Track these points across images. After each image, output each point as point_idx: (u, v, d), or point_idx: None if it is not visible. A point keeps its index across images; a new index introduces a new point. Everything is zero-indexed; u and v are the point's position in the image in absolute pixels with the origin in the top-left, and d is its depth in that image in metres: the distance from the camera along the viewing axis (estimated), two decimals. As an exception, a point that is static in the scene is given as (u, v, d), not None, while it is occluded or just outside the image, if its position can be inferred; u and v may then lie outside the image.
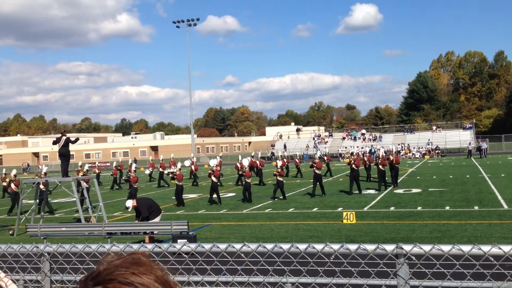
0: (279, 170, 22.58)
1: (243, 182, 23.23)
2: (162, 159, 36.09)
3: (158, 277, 1.04)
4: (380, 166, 24.67)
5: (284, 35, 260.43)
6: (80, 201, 17.27)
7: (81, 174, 25.52)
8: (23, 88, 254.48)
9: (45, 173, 26.40)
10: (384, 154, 26.05)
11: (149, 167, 37.92)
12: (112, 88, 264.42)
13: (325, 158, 37.35)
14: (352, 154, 27.84)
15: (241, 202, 22.22)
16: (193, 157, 40.09)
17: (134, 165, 24.56)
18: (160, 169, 33.30)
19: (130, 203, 13.93)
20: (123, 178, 24.59)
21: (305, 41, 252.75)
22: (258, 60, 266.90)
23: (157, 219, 13.97)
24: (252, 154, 36.32)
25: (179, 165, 25.40)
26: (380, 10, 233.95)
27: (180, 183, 22.53)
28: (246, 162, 26.77)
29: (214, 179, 22.28)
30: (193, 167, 33.71)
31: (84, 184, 19.55)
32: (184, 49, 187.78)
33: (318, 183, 23.09)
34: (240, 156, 34.41)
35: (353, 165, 23.38)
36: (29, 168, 74.51)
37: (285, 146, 69.62)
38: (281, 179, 22.56)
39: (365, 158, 30.26)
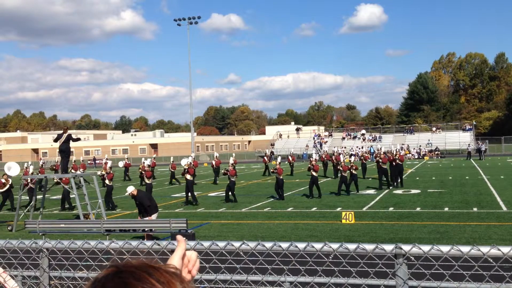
0: (353, 164, 23.52)
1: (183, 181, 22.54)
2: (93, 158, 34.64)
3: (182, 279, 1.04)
4: (341, 169, 23.76)
5: (288, 34, 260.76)
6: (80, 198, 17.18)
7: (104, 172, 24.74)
8: (25, 84, 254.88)
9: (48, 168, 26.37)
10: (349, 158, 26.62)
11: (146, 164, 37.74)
12: (114, 85, 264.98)
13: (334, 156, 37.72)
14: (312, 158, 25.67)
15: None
16: (193, 154, 39.97)
17: (109, 163, 24.52)
18: (127, 169, 30.31)
19: (131, 188, 13.90)
20: (222, 171, 23.55)
21: (308, 40, 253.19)
22: (260, 58, 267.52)
23: (153, 217, 13.99)
24: (192, 155, 35.48)
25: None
26: (385, 11, 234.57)
27: (149, 182, 22.83)
28: (184, 162, 25.84)
29: (232, 178, 22.04)
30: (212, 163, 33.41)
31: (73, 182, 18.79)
32: (187, 47, 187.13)
33: (383, 176, 25.50)
34: (171, 157, 35.13)
35: (312, 171, 22.49)
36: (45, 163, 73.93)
37: (320, 145, 68.20)
38: (355, 172, 23.40)
39: (333, 157, 31.11)
